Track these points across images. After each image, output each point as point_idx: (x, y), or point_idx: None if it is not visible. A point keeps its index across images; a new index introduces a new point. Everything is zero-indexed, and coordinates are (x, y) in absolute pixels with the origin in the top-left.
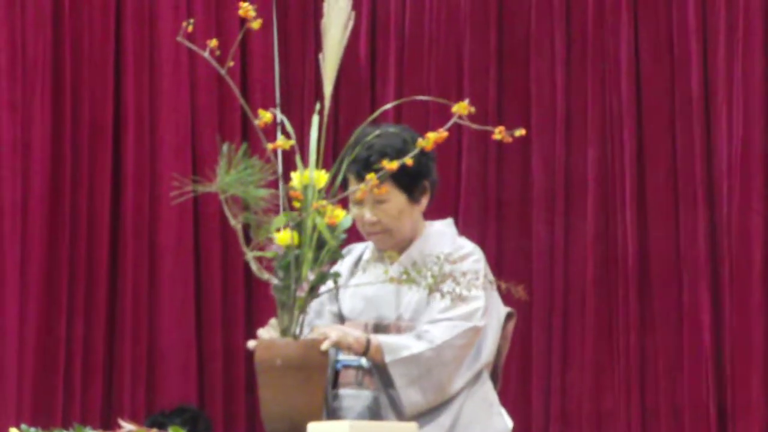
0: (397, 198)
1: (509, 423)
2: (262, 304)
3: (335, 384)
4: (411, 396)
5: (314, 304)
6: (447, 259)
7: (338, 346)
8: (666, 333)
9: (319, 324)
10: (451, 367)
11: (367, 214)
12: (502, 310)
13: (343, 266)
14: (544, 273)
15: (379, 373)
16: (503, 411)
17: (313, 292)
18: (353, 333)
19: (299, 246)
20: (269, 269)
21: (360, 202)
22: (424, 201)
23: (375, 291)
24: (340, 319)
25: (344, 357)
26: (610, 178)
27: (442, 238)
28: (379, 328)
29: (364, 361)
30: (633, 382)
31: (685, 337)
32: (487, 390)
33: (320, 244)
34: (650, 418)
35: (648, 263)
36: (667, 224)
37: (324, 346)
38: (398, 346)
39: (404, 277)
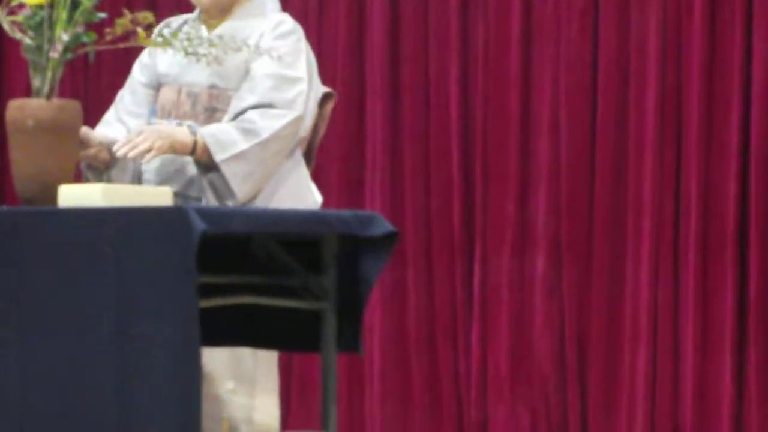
0: None
1: (319, 198)
2: (15, 63)
3: None
4: (244, 189)
5: (128, 83)
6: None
7: (163, 153)
8: (416, 102)
9: (136, 123)
10: (278, 158)
11: None
12: (320, 89)
13: (164, 32)
14: None
15: (205, 168)
16: (313, 186)
17: (68, 53)
18: (177, 137)
19: (52, 5)
20: (23, 30)
21: None
22: None
23: (191, 58)
24: (157, 85)
25: (157, 119)
26: None
27: (265, 9)
28: (192, 94)
29: (175, 124)
30: (383, 146)
31: (433, 105)
32: (300, 167)
33: (75, 4)
34: (398, 182)
35: (399, 29)
36: None
37: (147, 158)
38: (226, 143)
39: (160, 40)
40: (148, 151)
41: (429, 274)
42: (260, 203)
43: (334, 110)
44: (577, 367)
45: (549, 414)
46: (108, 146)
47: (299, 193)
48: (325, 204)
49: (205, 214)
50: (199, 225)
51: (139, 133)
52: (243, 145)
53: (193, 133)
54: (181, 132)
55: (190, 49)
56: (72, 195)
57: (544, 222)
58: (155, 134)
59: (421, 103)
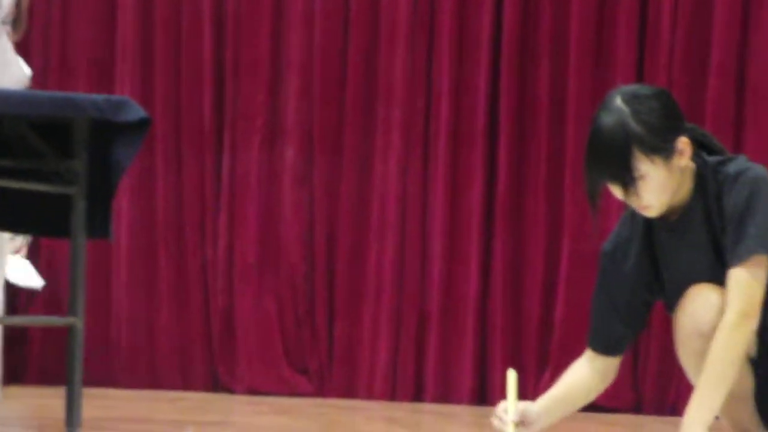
0: None
1: (28, 71)
2: None
3: None
4: None
5: None
6: None
7: None
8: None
9: None
10: None
11: None
12: None
13: None
14: None
15: None
16: (21, 60)
17: None
18: None
19: None
20: None
21: None
22: None
23: None
24: None
25: None
26: None
27: None
28: None
29: None
30: (134, 31)
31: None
32: (4, 42)
33: None
34: (148, 68)
35: None
36: None
37: None
38: None
39: None
40: None
41: (178, 161)
42: None
43: None
44: (326, 256)
45: (296, 302)
46: None
47: (6, 67)
48: (74, 88)
49: None
50: None
51: None
52: None
53: None
54: None
55: None
56: None
57: (295, 111)
58: None
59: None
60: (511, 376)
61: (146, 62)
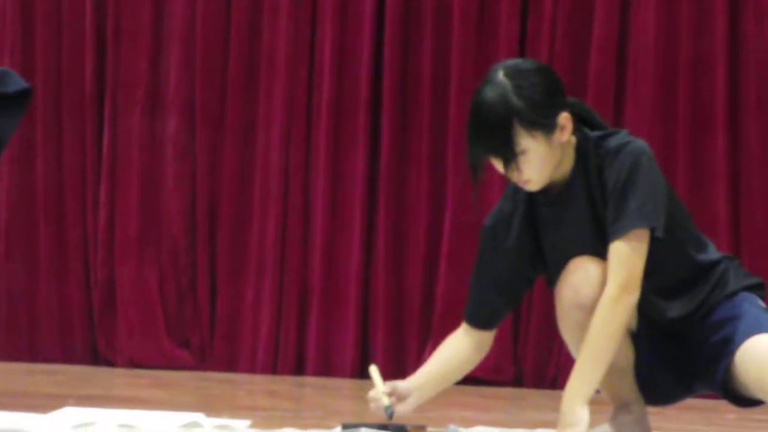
0: None
1: None
2: None
3: None
4: None
5: None
6: None
7: None
8: None
9: None
10: None
11: None
12: None
13: None
14: None
15: None
16: None
17: None
18: None
19: None
20: None
21: None
22: None
23: None
24: None
25: None
26: None
27: None
28: None
29: None
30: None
31: None
32: None
33: None
34: (29, 37)
35: None
36: None
37: None
38: None
39: None
40: None
41: (58, 130)
42: None
43: None
44: (208, 229)
45: (178, 275)
46: None
47: None
48: None
49: None
50: None
51: None
52: None
53: None
54: None
55: None
56: None
57: (177, 81)
58: None
59: None
60: (374, 370)
61: (26, 31)
